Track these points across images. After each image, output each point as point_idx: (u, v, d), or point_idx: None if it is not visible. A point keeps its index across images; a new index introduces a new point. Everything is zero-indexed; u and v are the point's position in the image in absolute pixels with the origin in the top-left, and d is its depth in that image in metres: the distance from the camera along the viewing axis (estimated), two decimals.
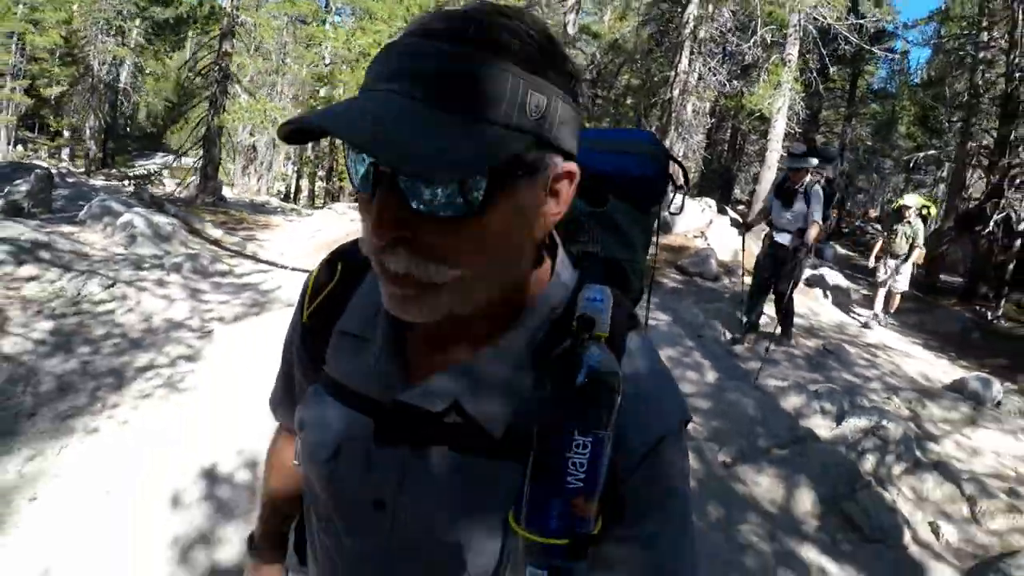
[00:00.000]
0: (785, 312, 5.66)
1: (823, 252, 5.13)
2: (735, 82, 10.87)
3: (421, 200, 0.50)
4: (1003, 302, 10.56)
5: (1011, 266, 10.95)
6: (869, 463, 3.66)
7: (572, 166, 0.56)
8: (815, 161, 5.23)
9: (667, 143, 9.51)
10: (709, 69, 10.01)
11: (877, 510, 3.22)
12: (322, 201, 20.71)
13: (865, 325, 7.60)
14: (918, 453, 3.83)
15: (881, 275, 7.71)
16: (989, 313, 10.25)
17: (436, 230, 0.51)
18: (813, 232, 5.16)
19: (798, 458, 3.67)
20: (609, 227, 0.81)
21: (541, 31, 0.53)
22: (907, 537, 3.16)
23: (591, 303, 0.58)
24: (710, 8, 9.90)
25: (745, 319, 5.78)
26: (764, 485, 3.47)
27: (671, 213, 0.98)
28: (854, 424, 3.98)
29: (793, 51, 9.92)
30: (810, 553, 3.00)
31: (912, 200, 7.56)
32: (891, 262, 7.53)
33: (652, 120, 11.20)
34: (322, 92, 15.29)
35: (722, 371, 4.93)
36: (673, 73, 10.00)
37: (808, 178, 5.22)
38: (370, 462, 0.65)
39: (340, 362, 0.69)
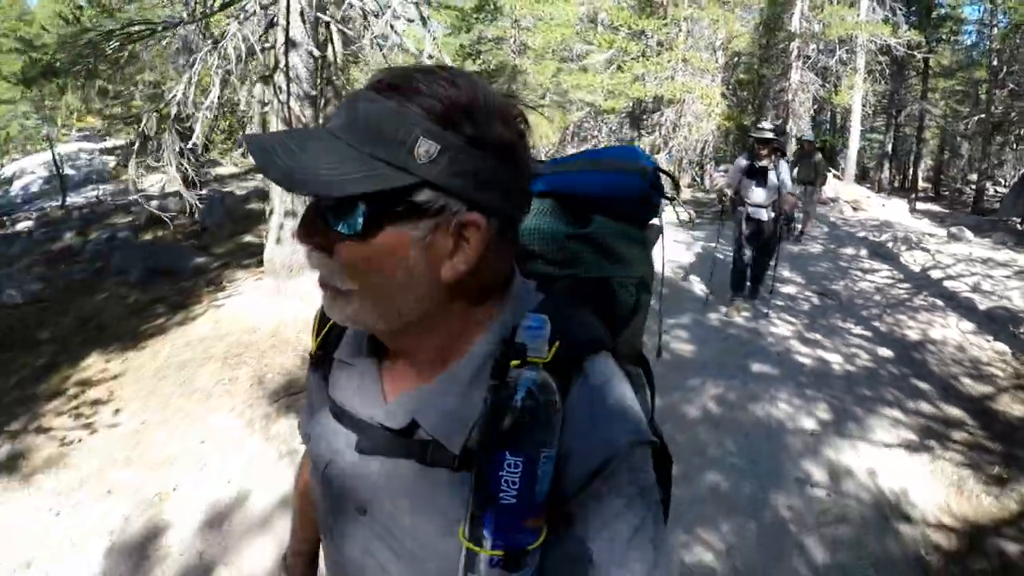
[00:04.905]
0: (757, 277, 6.06)
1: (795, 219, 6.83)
2: (827, 85, 16.49)
3: (331, 218, 0.60)
4: None
5: None
6: (889, 244, 9.45)
7: (475, 216, 0.60)
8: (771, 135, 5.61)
9: (789, 127, 15.18)
10: (810, 78, 15.68)
11: (891, 252, 9.04)
12: None
13: (798, 236, 9.71)
14: (913, 244, 9.53)
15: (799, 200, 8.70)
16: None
17: (340, 245, 0.61)
18: (789, 202, 5.67)
19: (857, 239, 9.54)
20: (595, 246, 0.82)
21: (463, 93, 0.58)
22: (904, 258, 8.88)
23: (527, 331, 0.61)
24: (807, 41, 15.64)
25: (732, 294, 6.03)
26: (848, 252, 9.38)
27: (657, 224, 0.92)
28: (885, 236, 9.79)
29: (861, 62, 15.53)
30: (864, 254, 8.93)
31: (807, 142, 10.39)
32: (809, 189, 9.65)
33: (768, 110, 16.87)
34: None
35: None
36: (787, 83, 15.81)
37: (773, 156, 5.52)
38: (354, 472, 0.72)
39: (337, 385, 0.77)
